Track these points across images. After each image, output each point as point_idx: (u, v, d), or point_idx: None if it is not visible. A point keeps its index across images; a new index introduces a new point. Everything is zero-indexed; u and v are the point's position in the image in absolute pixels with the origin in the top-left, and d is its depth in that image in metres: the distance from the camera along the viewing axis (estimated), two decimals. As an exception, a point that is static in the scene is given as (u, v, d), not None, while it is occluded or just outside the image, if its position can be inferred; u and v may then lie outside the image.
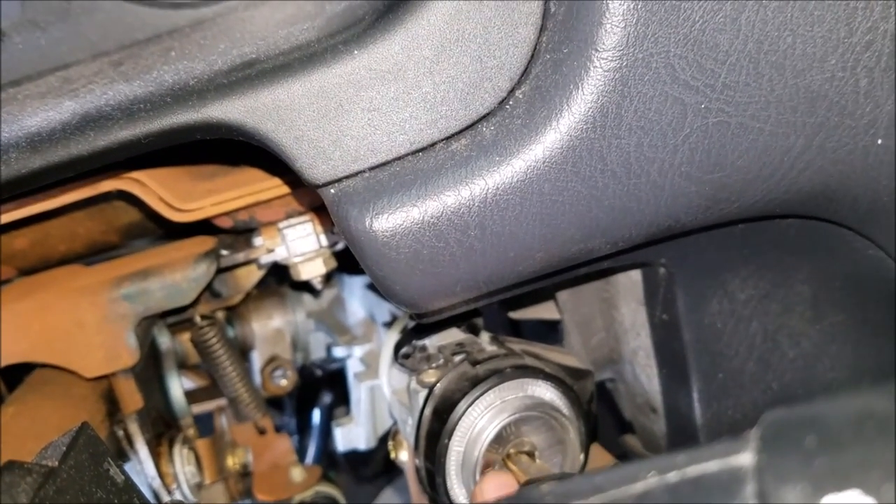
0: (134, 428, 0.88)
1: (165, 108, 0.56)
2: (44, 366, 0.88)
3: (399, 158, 0.58)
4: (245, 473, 1.08)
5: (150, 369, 0.98)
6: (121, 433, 0.89)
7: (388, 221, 0.56)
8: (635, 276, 0.85)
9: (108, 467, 0.49)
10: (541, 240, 0.58)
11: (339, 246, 0.99)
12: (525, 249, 0.59)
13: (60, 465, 0.44)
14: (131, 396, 0.88)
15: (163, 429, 0.97)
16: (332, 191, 0.58)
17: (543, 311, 1.02)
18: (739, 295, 0.78)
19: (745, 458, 0.27)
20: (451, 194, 0.56)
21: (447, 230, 0.57)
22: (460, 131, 0.58)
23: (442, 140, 0.58)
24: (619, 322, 0.93)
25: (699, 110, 0.56)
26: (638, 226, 0.60)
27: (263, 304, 1.21)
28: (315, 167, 0.57)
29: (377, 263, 0.58)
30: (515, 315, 1.03)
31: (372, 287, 1.15)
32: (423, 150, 0.58)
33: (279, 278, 1.26)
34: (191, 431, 1.01)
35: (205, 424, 1.10)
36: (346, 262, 1.16)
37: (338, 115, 0.57)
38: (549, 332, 1.03)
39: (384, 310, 1.13)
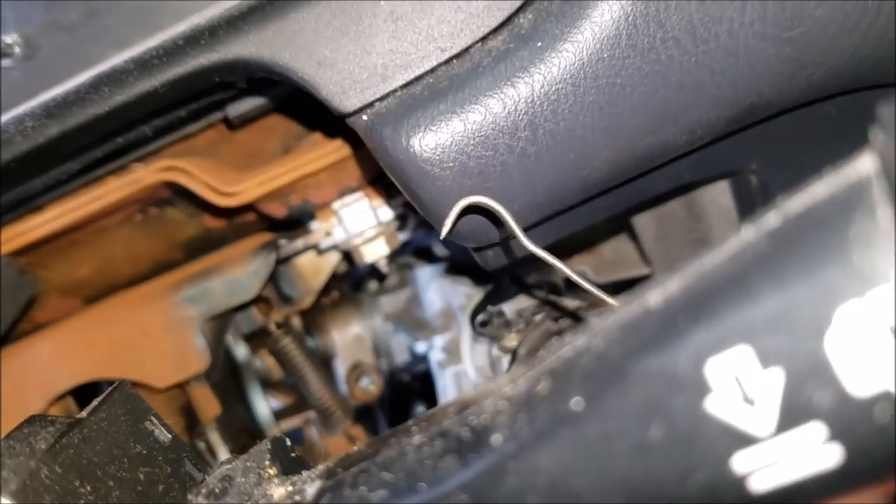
0: (215, 437, 0.85)
1: (179, 52, 0.52)
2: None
3: (432, 70, 0.52)
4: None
5: (229, 382, 0.95)
6: (202, 445, 0.85)
7: (427, 135, 0.51)
8: (726, 202, 0.76)
9: (151, 427, 0.44)
10: (603, 134, 0.51)
11: (404, 236, 0.94)
12: (586, 147, 0.52)
13: (89, 416, 0.40)
14: (208, 403, 0.84)
15: (248, 441, 0.93)
16: (364, 118, 0.53)
17: (631, 270, 0.93)
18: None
19: (865, 164, 0.21)
20: (494, 94, 0.50)
21: (494, 135, 0.51)
22: (496, 28, 0.52)
23: (477, 42, 0.52)
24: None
25: (764, -50, 0.48)
26: (715, 105, 0.52)
27: (340, 311, 1.17)
28: (342, 94, 0.52)
29: (422, 185, 0.52)
30: (600, 279, 0.95)
31: (448, 270, 1.09)
32: (457, 56, 0.52)
33: (353, 285, 1.23)
34: (278, 442, 0.97)
35: (295, 441, 1.06)
36: (417, 256, 1.12)
37: (359, 31, 0.52)
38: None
39: (460, 294, 1.06)
